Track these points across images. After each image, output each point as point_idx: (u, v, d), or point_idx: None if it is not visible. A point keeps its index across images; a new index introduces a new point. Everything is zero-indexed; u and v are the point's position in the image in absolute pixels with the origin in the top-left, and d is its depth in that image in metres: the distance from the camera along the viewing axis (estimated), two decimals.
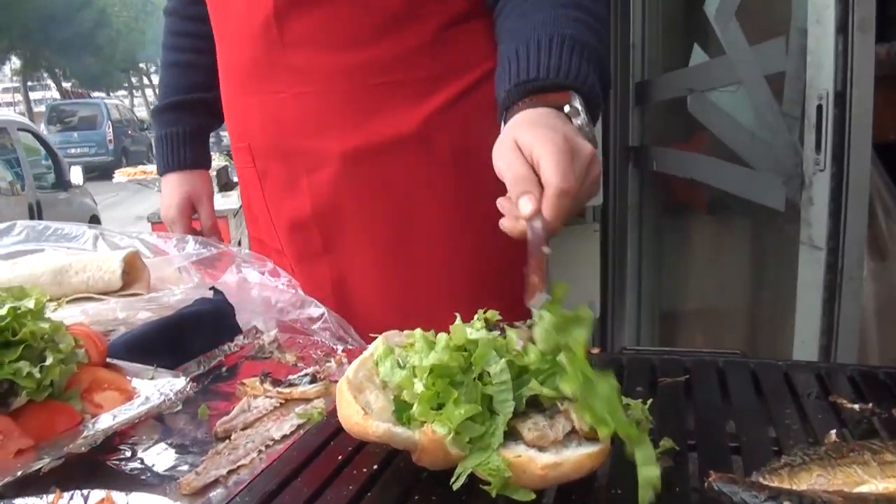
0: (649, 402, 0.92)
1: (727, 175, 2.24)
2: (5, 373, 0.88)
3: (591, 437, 0.78)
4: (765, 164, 2.02)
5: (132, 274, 1.47)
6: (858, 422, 0.94)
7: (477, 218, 1.46)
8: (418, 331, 0.86)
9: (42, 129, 22.89)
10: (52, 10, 30.27)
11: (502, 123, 1.17)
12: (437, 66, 1.44)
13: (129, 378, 1.04)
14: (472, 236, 1.49)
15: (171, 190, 1.88)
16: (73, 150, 22.29)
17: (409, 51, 1.42)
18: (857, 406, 0.97)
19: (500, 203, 1.02)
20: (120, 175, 7.15)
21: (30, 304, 0.97)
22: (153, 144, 1.94)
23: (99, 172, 21.39)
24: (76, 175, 9.60)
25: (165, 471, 0.91)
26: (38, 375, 0.89)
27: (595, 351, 1.18)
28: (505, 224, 1.00)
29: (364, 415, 0.79)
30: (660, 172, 2.85)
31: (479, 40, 1.46)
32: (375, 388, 0.84)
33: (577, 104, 1.14)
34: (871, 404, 0.97)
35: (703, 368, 1.11)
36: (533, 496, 0.75)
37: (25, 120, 11.28)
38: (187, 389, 1.00)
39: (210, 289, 1.37)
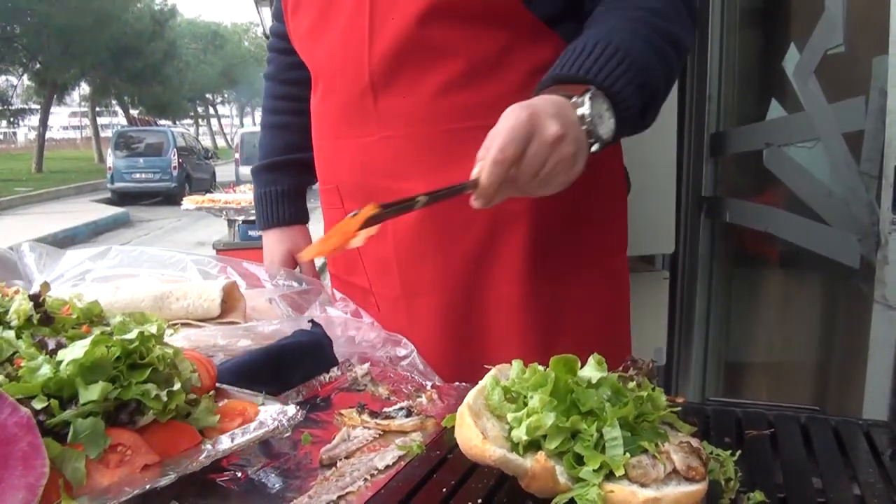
0: (738, 453, 0.96)
1: (802, 230, 2.25)
2: (134, 393, 0.94)
3: (690, 478, 0.82)
4: (840, 221, 2.03)
5: (229, 303, 1.54)
6: None
7: (553, 264, 1.53)
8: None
9: (109, 154, 23.55)
10: (123, 40, 31.25)
11: None
12: None
13: None
14: (546, 282, 1.54)
15: (272, 246, 1.97)
16: (137, 176, 22.79)
17: (496, 97, 1.44)
18: None
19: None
20: (188, 202, 7.30)
21: (153, 329, 1.04)
22: (254, 202, 2.04)
23: (162, 198, 21.94)
24: None
25: (276, 493, 0.96)
26: (164, 399, 0.95)
27: (679, 400, 1.21)
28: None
29: (483, 439, 0.85)
30: (730, 223, 2.86)
31: None
32: (492, 415, 0.89)
33: (587, 98, 1.21)
34: None
35: (786, 423, 1.14)
36: None
37: None
38: (298, 417, 1.05)
39: (308, 321, 1.42)
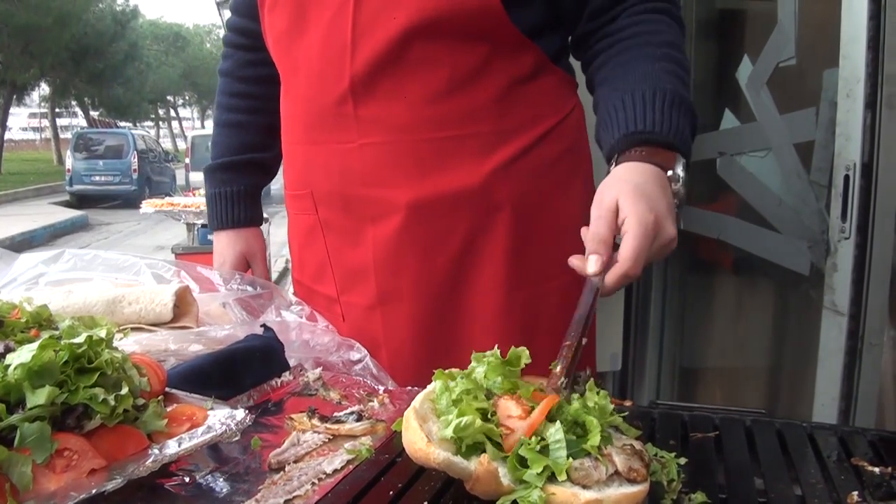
0: (683, 460, 0.98)
1: (753, 237, 2.28)
2: (82, 397, 0.94)
3: (631, 479, 0.84)
4: (791, 229, 2.06)
5: (182, 307, 1.54)
6: (878, 485, 0.98)
7: (530, 271, 1.53)
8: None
9: (68, 156, 23.23)
10: (84, 41, 30.78)
11: (612, 165, 1.29)
12: (502, 122, 1.49)
13: None
14: (524, 290, 1.54)
15: (223, 248, 1.94)
16: (97, 178, 22.50)
17: (476, 107, 1.47)
18: (877, 469, 1.02)
19: (583, 233, 1.15)
20: (147, 206, 7.25)
21: (101, 333, 1.04)
22: (206, 202, 1.98)
23: (122, 201, 21.69)
24: None
25: (223, 497, 0.97)
26: (112, 403, 0.95)
27: (627, 403, 1.23)
28: (574, 262, 1.14)
29: (427, 442, 0.86)
30: (684, 230, 2.89)
31: (543, 98, 1.53)
32: (438, 419, 0.90)
33: (680, 170, 1.25)
34: (890, 468, 1.02)
35: (732, 426, 1.16)
36: None
37: None
38: (246, 421, 1.05)
39: (261, 326, 1.42)
